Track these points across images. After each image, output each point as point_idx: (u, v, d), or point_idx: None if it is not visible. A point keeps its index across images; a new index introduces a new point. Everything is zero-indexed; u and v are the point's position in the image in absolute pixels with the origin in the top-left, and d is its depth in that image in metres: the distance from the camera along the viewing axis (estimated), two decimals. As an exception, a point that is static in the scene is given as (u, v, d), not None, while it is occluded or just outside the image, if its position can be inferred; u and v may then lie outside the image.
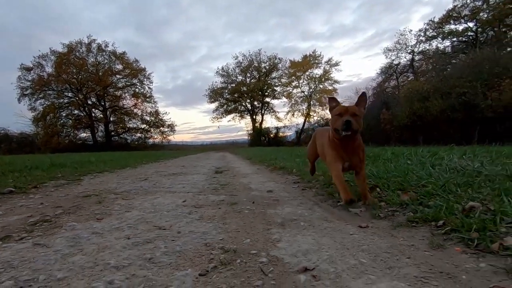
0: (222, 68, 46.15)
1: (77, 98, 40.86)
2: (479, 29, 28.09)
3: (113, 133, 44.62)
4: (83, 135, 43.18)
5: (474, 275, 1.11)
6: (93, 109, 42.80)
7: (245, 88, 45.37)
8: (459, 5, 27.65)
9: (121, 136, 45.33)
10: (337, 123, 2.22)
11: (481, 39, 27.80)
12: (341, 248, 1.45)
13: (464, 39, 29.67)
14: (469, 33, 29.07)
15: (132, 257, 1.38)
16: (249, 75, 46.27)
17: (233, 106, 47.27)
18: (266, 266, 1.26)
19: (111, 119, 43.89)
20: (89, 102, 42.12)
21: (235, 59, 46.24)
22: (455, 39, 30.05)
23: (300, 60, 42.06)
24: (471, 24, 28.39)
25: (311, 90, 42.62)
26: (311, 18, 73.01)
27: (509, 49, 22.11)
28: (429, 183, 2.40)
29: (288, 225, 1.91)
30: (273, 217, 2.14)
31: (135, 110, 44.48)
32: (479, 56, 19.84)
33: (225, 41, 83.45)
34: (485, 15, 26.44)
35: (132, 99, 44.11)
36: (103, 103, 43.11)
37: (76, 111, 41.62)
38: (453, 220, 1.60)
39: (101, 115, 43.00)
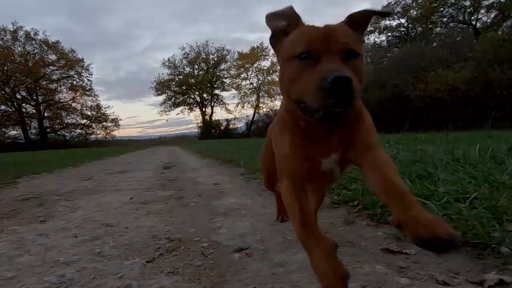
0: (169, 60, 44.71)
1: (3, 92, 36.72)
2: (410, 25, 30.80)
3: (48, 129, 41.11)
4: (13, 133, 39.20)
5: (371, 241, 1.41)
6: (24, 104, 38.88)
7: (193, 80, 44.55)
8: (392, 2, 29.94)
9: (59, 133, 41.94)
10: (305, 87, 0.71)
11: (411, 34, 30.48)
12: (272, 229, 1.70)
13: (397, 34, 32.31)
14: (402, 29, 31.71)
15: (82, 253, 1.48)
16: (197, 67, 45.45)
17: (181, 98, 46.19)
18: (207, 250, 1.45)
19: (45, 114, 40.28)
20: (18, 96, 38.15)
21: (182, 50, 44.97)
22: (390, 34, 32.59)
23: (248, 52, 42.33)
24: (403, 20, 30.98)
25: (259, 82, 43.27)
26: (257, 10, 73.35)
27: (434, 44, 24.59)
28: (354, 170, 2.76)
29: (230, 214, 2.12)
30: (217, 207, 2.33)
31: (73, 104, 41.39)
32: (409, 50, 21.87)
33: (170, 31, 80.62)
34: (414, 13, 29.05)
35: (70, 92, 40.89)
36: (35, 97, 39.35)
37: (2, 107, 37.48)
38: (365, 200, 1.93)
39: (34, 111, 39.21)
